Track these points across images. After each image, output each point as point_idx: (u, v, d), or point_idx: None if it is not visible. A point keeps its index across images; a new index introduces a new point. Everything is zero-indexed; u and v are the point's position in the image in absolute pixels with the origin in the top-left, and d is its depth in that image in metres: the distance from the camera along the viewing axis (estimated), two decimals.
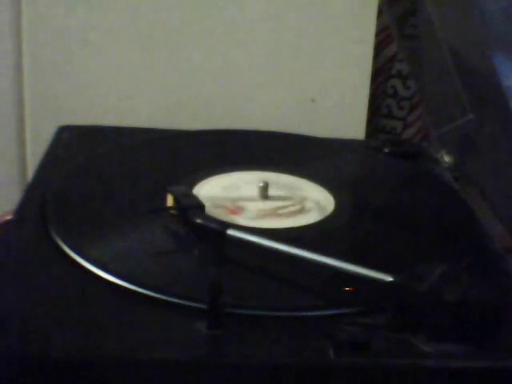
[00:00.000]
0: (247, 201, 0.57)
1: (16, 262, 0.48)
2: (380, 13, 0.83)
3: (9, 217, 0.58)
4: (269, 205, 0.57)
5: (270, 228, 0.54)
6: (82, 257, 0.48)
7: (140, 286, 0.45)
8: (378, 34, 0.85)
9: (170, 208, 0.54)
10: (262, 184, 0.58)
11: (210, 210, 0.54)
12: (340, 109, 0.83)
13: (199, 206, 0.53)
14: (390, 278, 0.44)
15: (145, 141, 0.69)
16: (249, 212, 0.56)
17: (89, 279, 0.46)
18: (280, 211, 0.57)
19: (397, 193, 0.64)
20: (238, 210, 0.56)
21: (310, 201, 0.59)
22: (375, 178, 0.67)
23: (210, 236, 0.50)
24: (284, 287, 0.48)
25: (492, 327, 0.42)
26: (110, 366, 0.40)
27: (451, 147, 0.69)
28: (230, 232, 0.49)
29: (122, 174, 0.62)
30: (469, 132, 0.67)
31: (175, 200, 0.53)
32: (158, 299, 0.45)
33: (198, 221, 0.51)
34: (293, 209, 0.57)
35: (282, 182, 0.62)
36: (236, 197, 0.58)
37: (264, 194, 0.58)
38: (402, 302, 0.43)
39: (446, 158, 0.69)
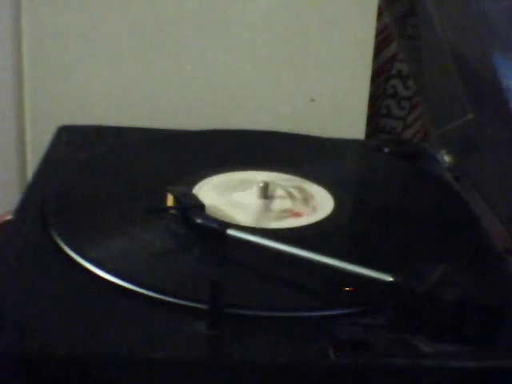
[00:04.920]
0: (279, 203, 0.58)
1: (16, 261, 0.48)
2: (380, 13, 0.83)
3: (9, 217, 0.58)
4: (288, 203, 0.58)
5: (270, 228, 0.54)
6: (82, 257, 0.48)
7: (140, 286, 0.45)
8: (378, 34, 0.85)
9: (170, 208, 0.54)
10: (261, 184, 0.58)
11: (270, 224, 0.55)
12: (340, 109, 0.83)
13: (199, 206, 0.53)
14: (390, 278, 0.44)
15: (144, 141, 0.69)
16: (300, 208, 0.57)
17: (89, 279, 0.46)
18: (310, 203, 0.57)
19: (397, 193, 0.64)
20: (297, 213, 0.56)
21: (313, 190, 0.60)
22: (375, 177, 0.67)
23: (210, 236, 0.50)
24: (284, 287, 0.48)
25: (492, 327, 0.42)
26: (110, 365, 0.40)
27: (451, 147, 0.69)
28: (230, 232, 0.49)
29: (122, 174, 0.62)
30: (469, 132, 0.67)
31: (175, 200, 0.53)
32: (157, 299, 0.45)
33: (199, 221, 0.51)
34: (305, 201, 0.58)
35: (280, 180, 0.62)
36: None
37: (265, 193, 0.58)
38: (402, 301, 0.43)
39: (446, 158, 0.69)
